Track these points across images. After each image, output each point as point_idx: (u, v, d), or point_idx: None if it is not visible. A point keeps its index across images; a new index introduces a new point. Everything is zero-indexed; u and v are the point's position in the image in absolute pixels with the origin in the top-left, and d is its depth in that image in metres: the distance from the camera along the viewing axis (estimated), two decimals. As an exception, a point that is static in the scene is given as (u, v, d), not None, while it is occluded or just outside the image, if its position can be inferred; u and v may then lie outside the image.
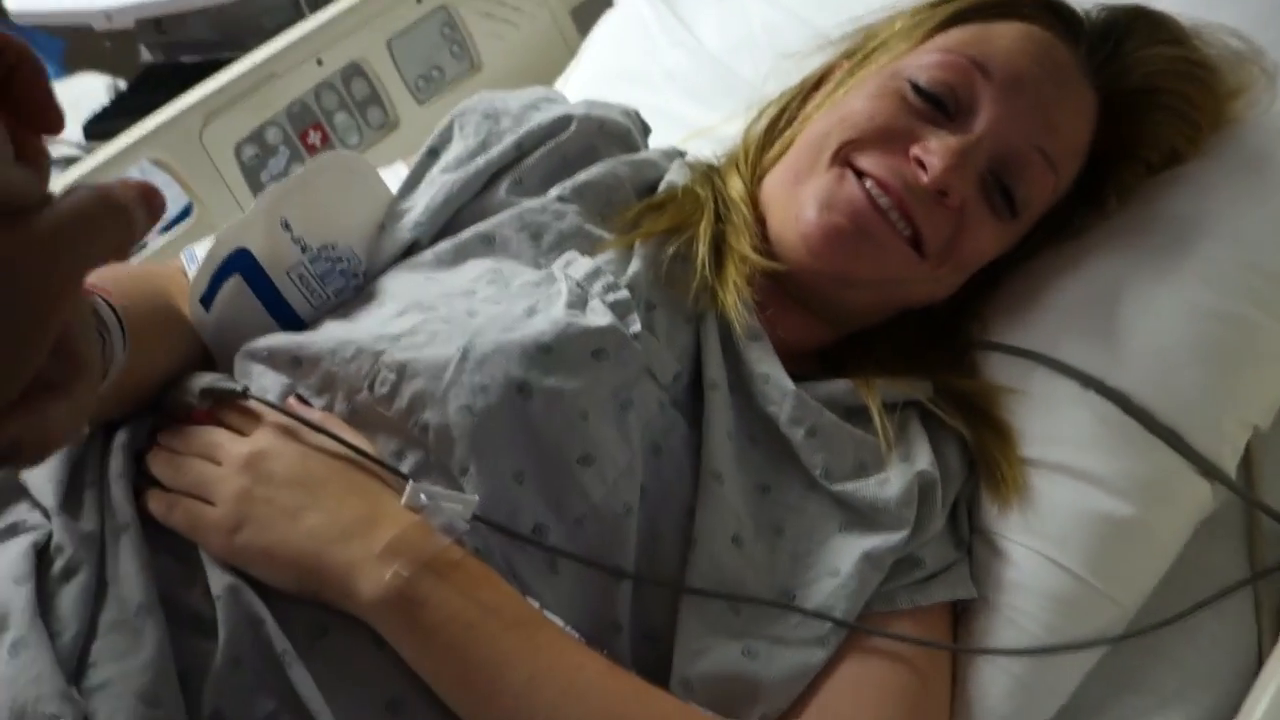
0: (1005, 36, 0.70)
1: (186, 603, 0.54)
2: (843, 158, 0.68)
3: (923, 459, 0.67)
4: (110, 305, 0.53)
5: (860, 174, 0.67)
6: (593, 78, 1.16)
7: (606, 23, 1.22)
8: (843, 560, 0.63)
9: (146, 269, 0.75)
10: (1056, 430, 0.70)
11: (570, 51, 1.29)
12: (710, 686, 0.58)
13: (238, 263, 0.66)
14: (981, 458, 0.70)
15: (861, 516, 0.64)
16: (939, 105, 0.68)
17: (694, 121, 1.03)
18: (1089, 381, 0.70)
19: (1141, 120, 0.73)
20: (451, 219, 0.72)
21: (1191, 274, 0.70)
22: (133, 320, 0.54)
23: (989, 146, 0.68)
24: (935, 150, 0.66)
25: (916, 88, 0.69)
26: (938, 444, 0.70)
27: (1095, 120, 0.73)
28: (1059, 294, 0.74)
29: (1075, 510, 0.67)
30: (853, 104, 0.70)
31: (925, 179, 0.66)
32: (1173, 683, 0.68)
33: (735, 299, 0.67)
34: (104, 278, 0.58)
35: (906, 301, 0.74)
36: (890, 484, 0.64)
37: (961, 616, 0.68)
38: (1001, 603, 0.67)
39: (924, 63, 0.70)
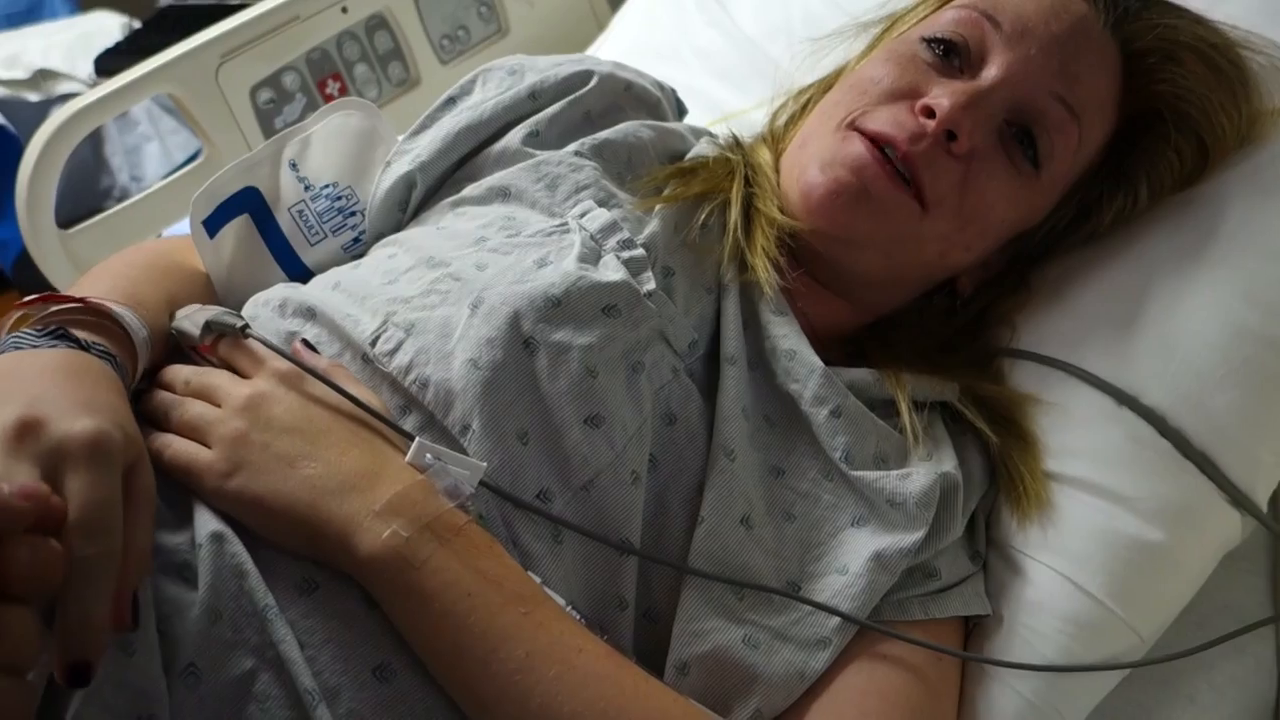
0: None
1: (172, 548, 0.51)
2: (850, 123, 0.67)
3: (947, 461, 0.65)
4: (121, 319, 0.55)
5: (865, 135, 0.66)
6: (622, 51, 1.13)
7: (641, -3, 1.19)
8: (852, 558, 0.60)
9: (162, 244, 0.74)
10: (1084, 445, 0.67)
11: (599, 23, 1.27)
12: (707, 671, 0.56)
13: (246, 202, 0.64)
14: (1004, 468, 0.68)
15: (876, 510, 0.62)
16: (949, 54, 0.67)
17: (722, 102, 1.00)
18: (1123, 398, 0.67)
19: (1161, 79, 0.70)
20: (462, 166, 0.71)
21: (1237, 292, 0.68)
22: (150, 309, 0.58)
23: (1004, 95, 0.66)
24: (943, 93, 0.65)
25: (926, 40, 0.68)
26: (960, 450, 0.67)
27: (1119, 75, 0.70)
28: (1092, 303, 0.71)
29: (1099, 530, 0.65)
30: (865, 72, 0.70)
31: (933, 124, 0.64)
32: None
33: (764, 263, 0.65)
34: (126, 277, 0.62)
35: (922, 268, 0.71)
36: (912, 479, 0.62)
37: (973, 633, 0.65)
38: (1016, 621, 0.64)
39: (936, 21, 0.69)
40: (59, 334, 0.52)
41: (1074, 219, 0.73)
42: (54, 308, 0.54)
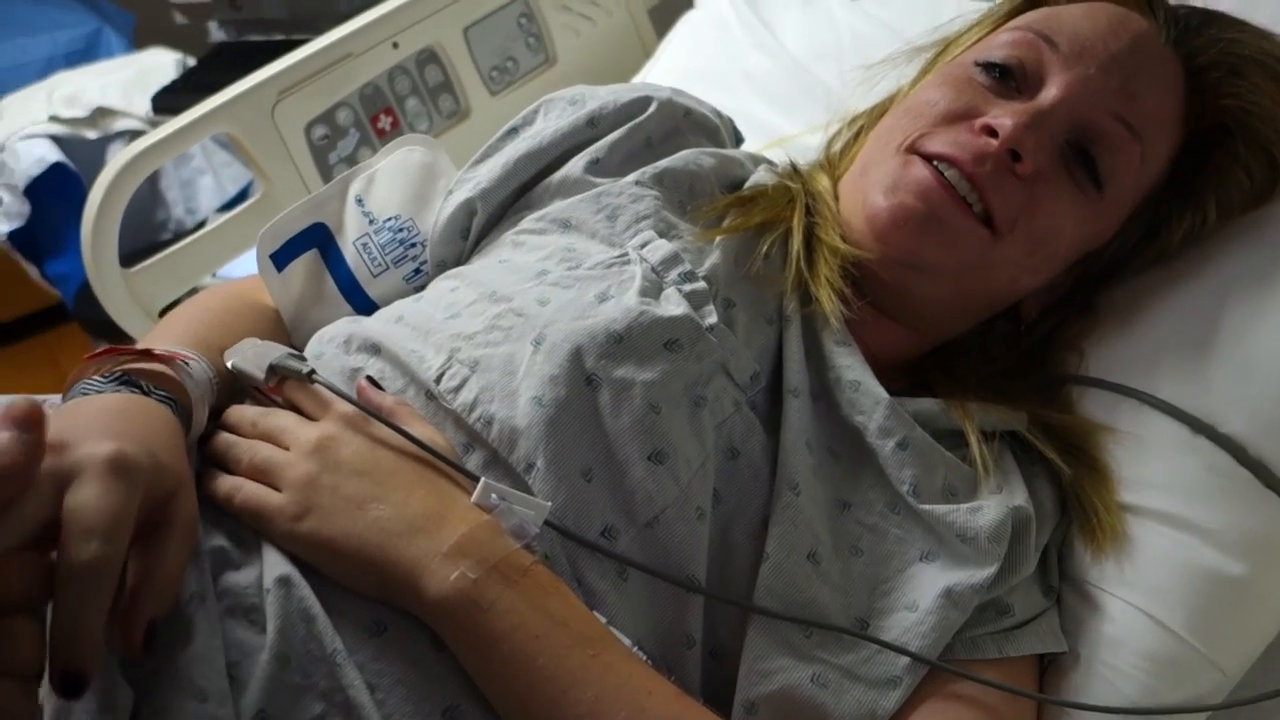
0: (1073, 12, 0.69)
1: (240, 591, 0.51)
2: (909, 146, 0.66)
3: (1019, 494, 0.63)
4: (187, 364, 0.57)
5: (927, 158, 0.65)
6: (670, 77, 1.13)
7: (688, 22, 1.19)
8: (922, 594, 0.59)
9: (234, 286, 0.75)
10: (1159, 476, 0.65)
11: (646, 51, 1.27)
12: (775, 711, 0.55)
13: (314, 237, 0.65)
14: (1076, 500, 0.66)
15: (946, 545, 0.60)
16: (1006, 76, 0.66)
17: (771, 125, 1.00)
18: (1200, 427, 0.65)
19: (1227, 94, 0.68)
20: (523, 195, 0.71)
21: (1313, 316, 0.65)
22: (220, 352, 0.60)
23: (1064, 115, 0.64)
24: (1005, 114, 0.64)
25: (982, 65, 0.67)
26: (1030, 481, 0.66)
27: (1183, 91, 0.68)
28: (1163, 327, 0.69)
29: (1177, 563, 0.63)
30: (920, 95, 0.69)
31: (995, 144, 0.63)
32: (1275, 759, 0.64)
33: (829, 293, 0.64)
34: (199, 321, 0.64)
35: (989, 295, 0.70)
36: (983, 513, 0.60)
37: (1049, 671, 0.64)
38: (1094, 659, 0.62)
39: (989, 44, 0.68)
40: (123, 380, 0.52)
41: (1141, 239, 0.72)
42: (121, 359, 0.55)
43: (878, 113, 0.77)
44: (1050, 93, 0.65)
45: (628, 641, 0.53)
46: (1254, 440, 0.64)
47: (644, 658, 0.53)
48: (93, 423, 0.48)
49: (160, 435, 0.50)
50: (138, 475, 0.44)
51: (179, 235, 1.08)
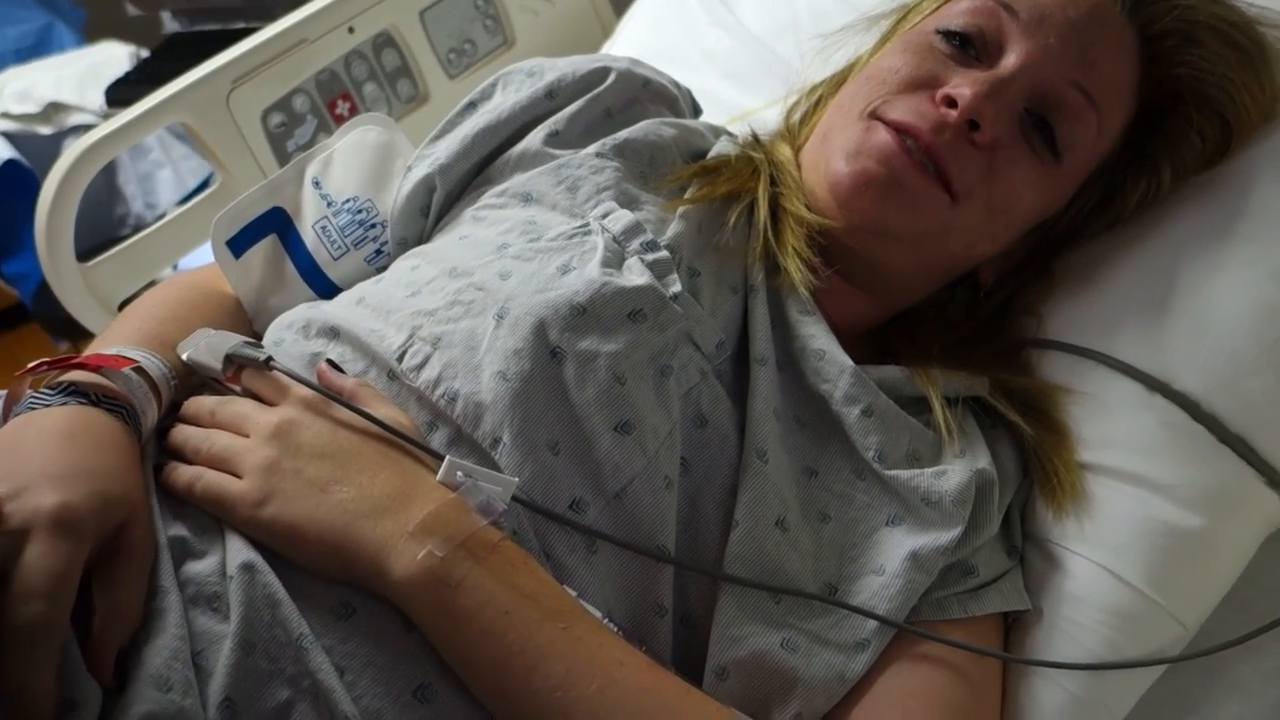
0: None
1: (203, 580, 0.51)
2: (870, 112, 0.66)
3: (982, 457, 0.64)
4: (143, 369, 0.56)
5: (888, 124, 0.65)
6: (630, 55, 1.12)
7: (646, 0, 1.19)
8: (889, 558, 0.60)
9: (192, 276, 0.74)
10: (1117, 434, 0.66)
11: (605, 30, 1.26)
12: (746, 676, 0.56)
13: (273, 222, 0.64)
14: (1037, 460, 0.67)
15: (911, 509, 0.61)
16: (965, 44, 0.67)
17: (733, 103, 1.00)
18: (1155, 384, 0.66)
19: (1180, 62, 0.69)
20: (482, 169, 0.71)
21: (1267, 271, 0.66)
22: (175, 347, 0.60)
23: (1023, 83, 0.65)
24: (964, 83, 0.64)
25: (942, 33, 0.67)
26: (992, 445, 0.67)
27: (1138, 60, 0.69)
28: (1118, 289, 0.70)
29: (1136, 519, 0.64)
30: (881, 63, 0.69)
31: (955, 114, 0.63)
32: (1234, 707, 0.65)
33: (797, 263, 0.64)
34: (154, 317, 0.63)
35: (949, 262, 0.70)
36: (948, 477, 0.61)
37: (1013, 629, 0.65)
38: (1057, 615, 0.63)
39: (949, 12, 0.69)
40: (70, 391, 0.52)
41: (1097, 205, 0.72)
42: (57, 373, 0.54)
43: (837, 81, 0.77)
44: (1010, 61, 0.65)
45: (598, 614, 0.53)
46: (1207, 396, 0.65)
47: (615, 629, 0.53)
48: (39, 460, 0.49)
49: (110, 457, 0.50)
50: (84, 528, 0.46)
51: (139, 230, 1.06)
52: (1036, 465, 0.67)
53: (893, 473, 0.61)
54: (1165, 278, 0.69)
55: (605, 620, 0.53)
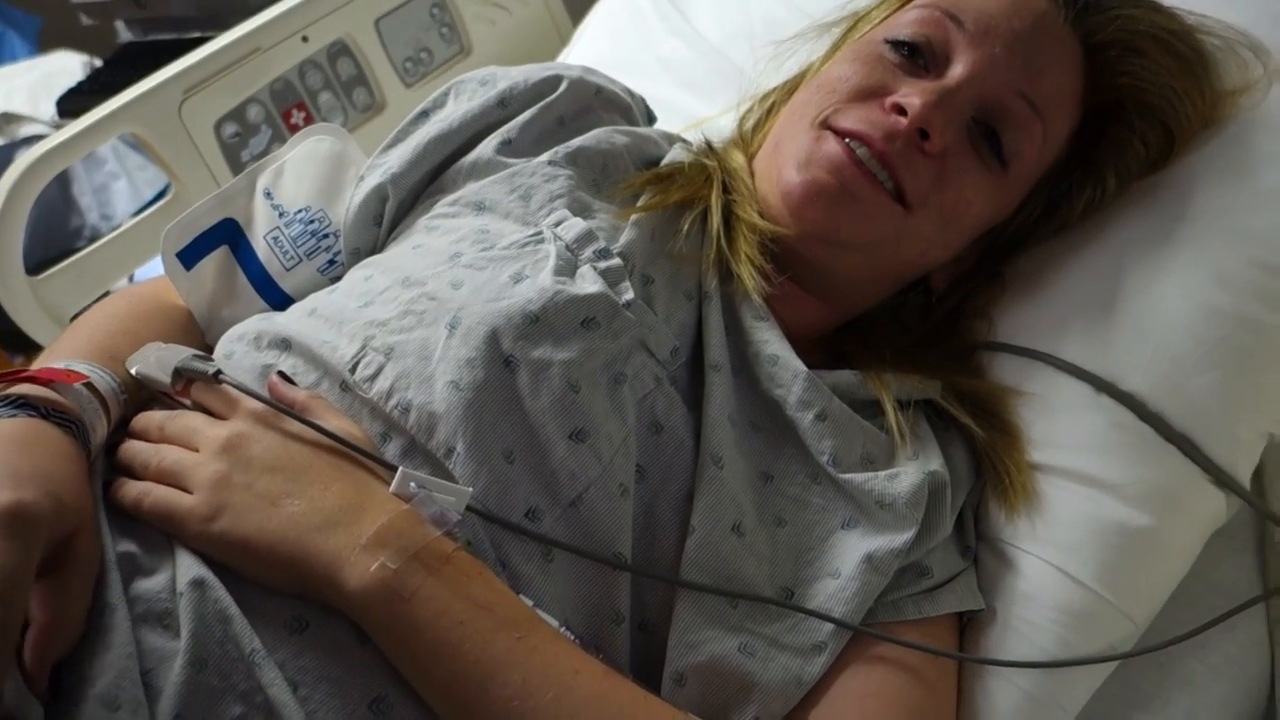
0: None
1: (152, 597, 0.50)
2: (821, 121, 0.67)
3: (934, 459, 0.65)
4: (92, 385, 0.55)
5: (839, 133, 0.66)
6: (587, 64, 1.13)
7: (603, 9, 1.19)
8: (844, 561, 0.60)
9: (144, 289, 0.73)
10: (1066, 435, 0.68)
11: (562, 38, 1.26)
12: (704, 681, 0.56)
13: (224, 233, 0.64)
14: (989, 462, 0.68)
15: (866, 512, 0.62)
16: (914, 54, 0.67)
17: (689, 111, 1.00)
18: (1102, 385, 0.67)
19: (1123, 71, 0.70)
20: (435, 178, 0.70)
21: (1208, 273, 0.68)
22: (124, 361, 0.59)
23: (970, 93, 0.66)
24: (913, 92, 0.65)
25: (891, 42, 0.68)
26: (945, 447, 0.68)
27: (1082, 69, 0.70)
28: (1066, 292, 0.71)
29: (1086, 518, 0.65)
30: (831, 71, 0.70)
31: (905, 122, 0.64)
32: (1184, 701, 0.66)
33: (750, 270, 0.65)
34: (103, 330, 0.63)
35: (901, 268, 0.71)
36: (901, 480, 0.62)
37: (968, 628, 0.66)
38: (1010, 614, 0.64)
39: (898, 22, 0.69)
40: (19, 403, 0.52)
41: (1044, 211, 0.74)
42: (5, 386, 0.53)
43: (789, 89, 0.78)
44: (957, 71, 0.66)
45: (554, 622, 0.53)
46: (1153, 395, 0.66)
47: (572, 637, 0.53)
48: None
49: (61, 468, 0.49)
50: (37, 528, 0.45)
51: (94, 242, 1.05)
52: (988, 466, 0.68)
53: (847, 476, 0.62)
54: (1111, 280, 0.70)
55: (562, 629, 0.53)
